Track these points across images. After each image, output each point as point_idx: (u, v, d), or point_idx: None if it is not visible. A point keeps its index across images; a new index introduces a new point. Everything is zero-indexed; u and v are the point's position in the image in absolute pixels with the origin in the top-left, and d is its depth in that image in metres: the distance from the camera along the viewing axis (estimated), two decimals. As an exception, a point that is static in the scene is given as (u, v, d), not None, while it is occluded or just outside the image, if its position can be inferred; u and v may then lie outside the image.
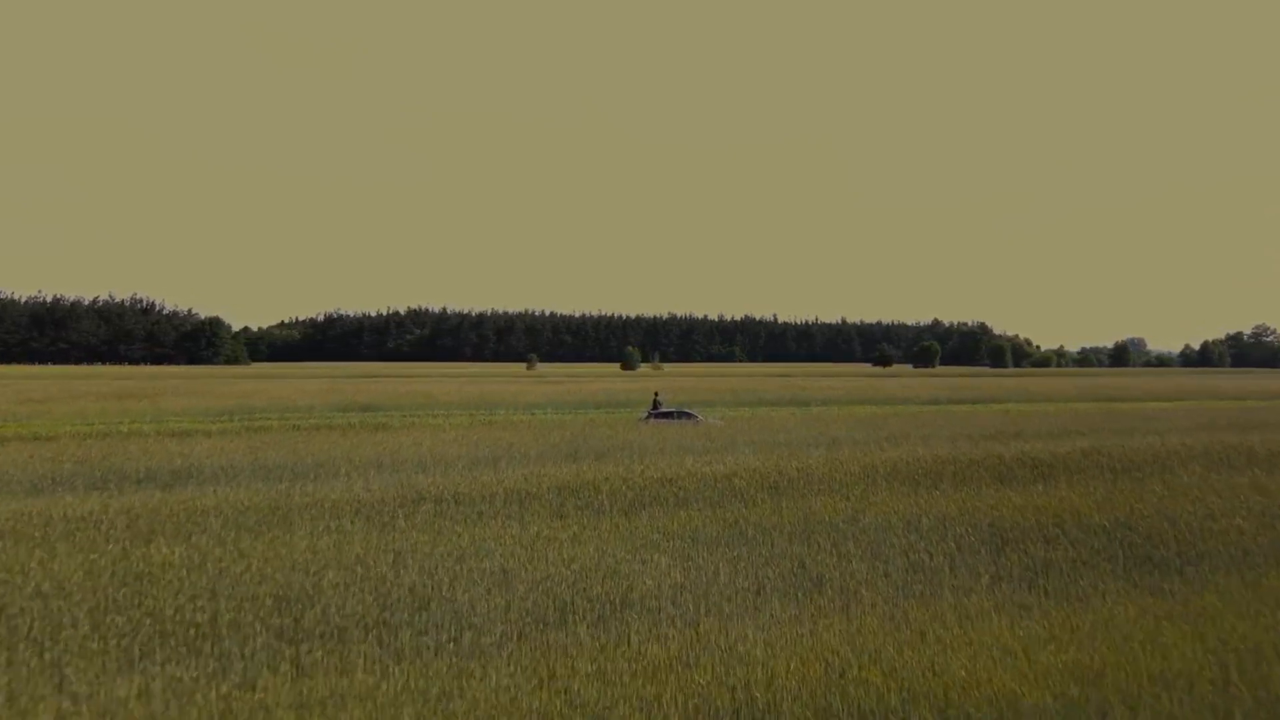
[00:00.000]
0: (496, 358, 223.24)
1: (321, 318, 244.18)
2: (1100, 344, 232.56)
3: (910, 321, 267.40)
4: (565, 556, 12.53)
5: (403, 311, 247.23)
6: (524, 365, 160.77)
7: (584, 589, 11.03)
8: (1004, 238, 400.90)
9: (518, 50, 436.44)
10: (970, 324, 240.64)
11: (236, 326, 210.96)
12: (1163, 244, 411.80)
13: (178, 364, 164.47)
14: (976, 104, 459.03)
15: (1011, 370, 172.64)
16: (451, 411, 41.16)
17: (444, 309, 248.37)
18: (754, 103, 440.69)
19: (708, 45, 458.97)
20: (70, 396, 47.15)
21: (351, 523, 14.81)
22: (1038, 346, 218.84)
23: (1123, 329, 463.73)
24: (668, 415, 34.52)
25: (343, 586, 10.95)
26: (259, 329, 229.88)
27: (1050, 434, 27.39)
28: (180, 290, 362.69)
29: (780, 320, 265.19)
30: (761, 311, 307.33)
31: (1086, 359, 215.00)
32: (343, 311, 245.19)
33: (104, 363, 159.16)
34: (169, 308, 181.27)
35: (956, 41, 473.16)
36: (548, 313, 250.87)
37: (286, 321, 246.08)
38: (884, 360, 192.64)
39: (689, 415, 34.67)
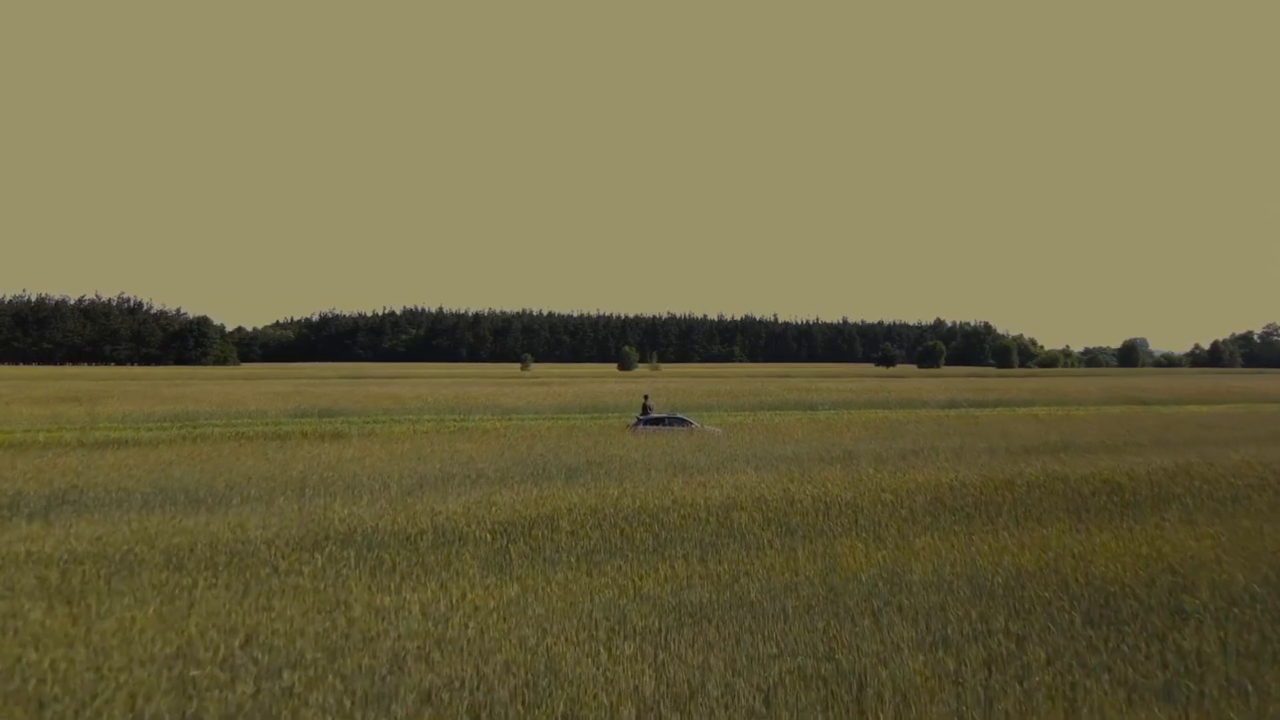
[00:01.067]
0: (493, 358, 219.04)
1: (316, 318, 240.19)
2: (1102, 344, 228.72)
3: (912, 321, 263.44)
4: (490, 640, 8.68)
5: (398, 311, 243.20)
6: (519, 366, 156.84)
7: (502, 710, 7.17)
8: (1005, 237, 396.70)
9: (515, 47, 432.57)
10: (973, 324, 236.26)
11: (231, 327, 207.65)
12: (1164, 244, 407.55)
13: (165, 364, 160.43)
14: (978, 101, 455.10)
15: (1021, 370, 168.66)
16: (420, 417, 37.27)
17: (440, 309, 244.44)
18: (754, 102, 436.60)
19: (707, 44, 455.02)
20: (11, 400, 43.29)
21: (214, 578, 10.96)
22: (1041, 346, 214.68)
23: (1124, 329, 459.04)
24: (659, 421, 30.66)
25: (124, 708, 7.09)
26: (254, 329, 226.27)
27: (1105, 446, 23.49)
28: (176, 292, 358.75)
29: (781, 320, 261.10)
30: (762, 311, 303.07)
31: (1095, 359, 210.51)
32: (337, 311, 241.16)
33: (89, 363, 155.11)
34: (156, 307, 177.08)
35: (958, 37, 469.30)
36: (545, 312, 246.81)
37: (281, 321, 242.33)
38: (888, 360, 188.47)
39: (683, 421, 30.81)
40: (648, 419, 30.91)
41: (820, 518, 13.53)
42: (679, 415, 31.87)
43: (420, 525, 13.32)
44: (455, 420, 35.48)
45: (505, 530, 13.17)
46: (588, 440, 25.78)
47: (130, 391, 49.50)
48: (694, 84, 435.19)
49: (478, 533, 12.95)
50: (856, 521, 13.47)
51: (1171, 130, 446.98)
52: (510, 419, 36.63)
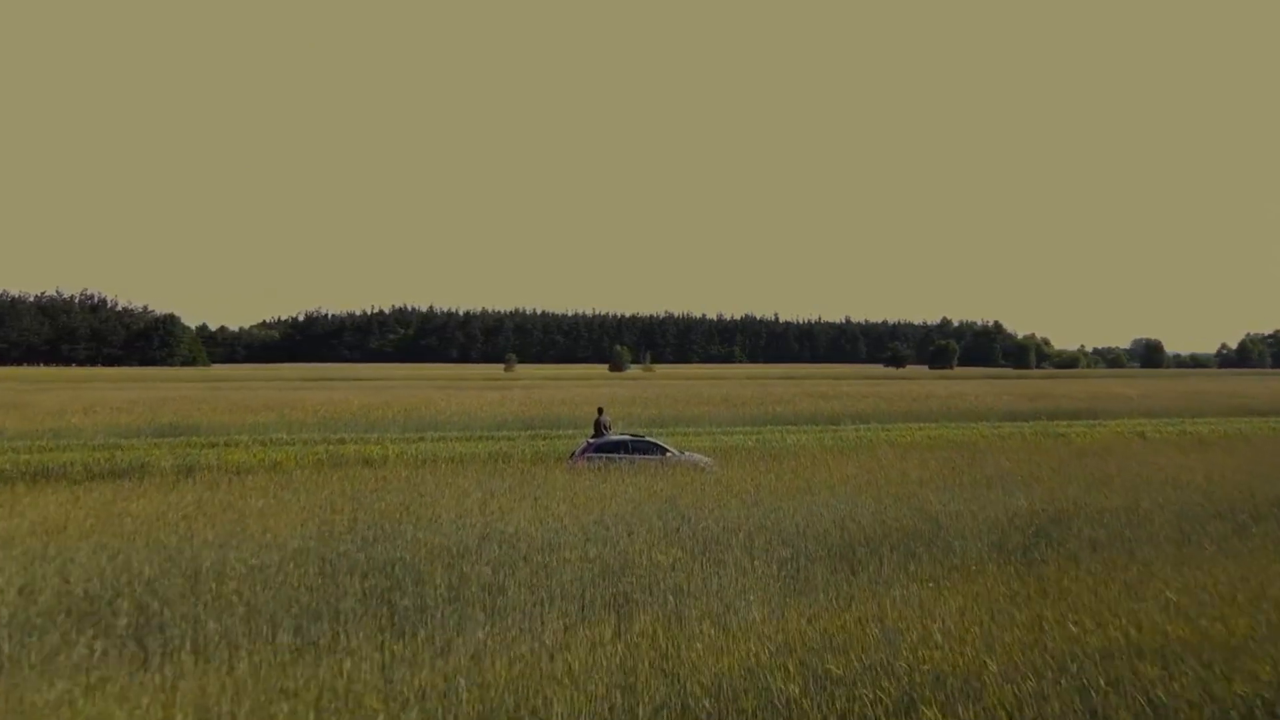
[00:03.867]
0: (484, 359, 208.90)
1: (301, 317, 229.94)
2: (1109, 344, 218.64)
3: (917, 321, 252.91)
4: None
5: (387, 310, 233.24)
6: (502, 367, 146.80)
7: None
8: (1009, 235, 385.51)
9: (509, 44, 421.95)
10: (979, 323, 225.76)
11: (215, 326, 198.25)
12: (1171, 243, 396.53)
13: (128, 365, 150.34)
14: (982, 98, 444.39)
15: (1040, 371, 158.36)
16: (294, 438, 27.18)
17: (430, 308, 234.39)
18: (753, 98, 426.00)
19: (706, 41, 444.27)
20: None
21: None
22: (1051, 346, 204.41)
23: (1128, 329, 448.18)
24: (617, 448, 20.48)
25: None
26: (240, 329, 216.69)
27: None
28: (165, 293, 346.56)
29: (782, 320, 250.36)
30: (762, 311, 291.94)
31: (1117, 360, 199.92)
32: (324, 311, 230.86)
33: (45, 364, 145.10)
34: (121, 304, 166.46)
35: (961, 31, 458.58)
36: (539, 311, 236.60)
37: (268, 321, 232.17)
38: (897, 360, 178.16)
39: (654, 448, 20.64)
40: (600, 444, 20.72)
41: None
42: (650, 439, 21.53)
43: None
44: (334, 444, 25.32)
45: None
46: (490, 485, 15.74)
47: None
48: (693, 81, 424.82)
49: None
50: None
51: (1176, 129, 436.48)
52: (420, 440, 26.54)
